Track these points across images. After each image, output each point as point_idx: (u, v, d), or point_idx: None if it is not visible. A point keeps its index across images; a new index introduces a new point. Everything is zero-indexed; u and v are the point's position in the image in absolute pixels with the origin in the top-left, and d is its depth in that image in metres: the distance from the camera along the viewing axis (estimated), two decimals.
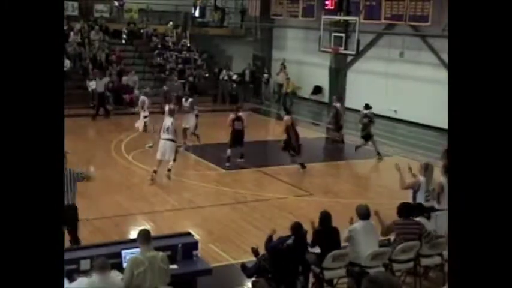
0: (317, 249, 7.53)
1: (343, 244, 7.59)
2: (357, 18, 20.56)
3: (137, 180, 12.88)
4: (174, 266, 6.89)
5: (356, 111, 22.46)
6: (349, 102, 23.48)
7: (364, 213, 7.61)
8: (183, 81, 22.93)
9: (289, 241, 7.12)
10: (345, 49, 21.17)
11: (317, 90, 25.20)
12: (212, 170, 14.19)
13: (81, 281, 5.69)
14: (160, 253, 6.20)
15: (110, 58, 22.80)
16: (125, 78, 21.35)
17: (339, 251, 7.40)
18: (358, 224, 7.57)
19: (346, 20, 21.53)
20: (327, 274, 7.37)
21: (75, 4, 24.13)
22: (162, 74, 23.61)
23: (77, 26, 23.55)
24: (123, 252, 6.65)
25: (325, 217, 7.64)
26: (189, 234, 7.78)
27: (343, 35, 21.13)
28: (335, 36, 21.44)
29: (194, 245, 7.37)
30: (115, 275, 5.97)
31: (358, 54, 21.77)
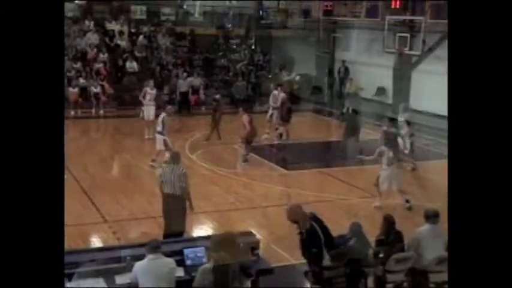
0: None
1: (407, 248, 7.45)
2: (422, 18, 20.12)
3: (200, 179, 13.09)
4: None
5: (420, 112, 22.07)
6: (413, 104, 23.03)
7: (432, 217, 7.37)
8: (244, 82, 23.14)
9: (351, 242, 7.07)
10: (410, 49, 20.77)
11: (380, 91, 24.83)
12: (274, 170, 14.25)
13: (138, 265, 6.00)
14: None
15: (175, 61, 23.29)
16: (189, 80, 21.75)
17: (403, 254, 7.27)
18: (426, 228, 7.36)
19: (412, 20, 21.11)
20: (390, 277, 7.26)
21: (144, 8, 24.81)
22: (226, 76, 23.90)
23: (144, 29, 24.20)
24: (186, 250, 6.78)
25: (389, 221, 7.51)
26: (250, 233, 7.84)
27: (408, 35, 20.75)
28: (400, 37, 21.07)
29: (256, 244, 7.42)
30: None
31: (424, 55, 21.28)
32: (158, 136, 13.72)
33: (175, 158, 9.09)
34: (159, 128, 13.69)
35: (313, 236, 6.42)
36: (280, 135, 17.12)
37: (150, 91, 17.01)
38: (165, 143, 13.55)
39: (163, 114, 13.75)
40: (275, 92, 17.72)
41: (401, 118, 14.22)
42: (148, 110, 16.91)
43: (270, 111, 17.38)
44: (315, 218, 6.64)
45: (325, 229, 6.59)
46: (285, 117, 17.05)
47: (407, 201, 11.36)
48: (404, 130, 13.97)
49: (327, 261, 6.44)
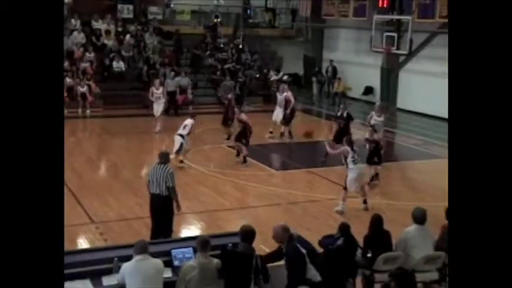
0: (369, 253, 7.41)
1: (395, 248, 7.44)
2: (410, 17, 20.21)
3: (189, 179, 13.03)
4: None
5: (408, 112, 22.21)
6: (401, 103, 23.17)
7: (420, 217, 7.33)
8: (232, 82, 23.10)
9: (339, 242, 7.06)
10: (397, 49, 20.85)
11: (368, 90, 24.93)
12: (263, 170, 14.23)
13: (125, 266, 5.96)
14: (215, 260, 6.17)
15: (163, 60, 23.19)
16: (177, 80, 21.67)
17: (391, 253, 7.27)
18: (414, 228, 7.35)
19: (399, 19, 21.20)
20: (378, 277, 7.26)
21: (130, 7, 24.67)
22: (213, 75, 23.84)
23: (131, 28, 24.06)
24: (173, 251, 6.73)
25: (377, 221, 7.49)
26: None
27: (395, 34, 20.83)
28: (387, 36, 21.15)
29: None
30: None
31: (411, 54, 21.38)
32: (177, 138, 13.84)
33: (164, 158, 9.02)
34: (182, 132, 13.81)
35: (297, 259, 6.35)
36: (282, 134, 17.33)
37: (155, 90, 18.22)
38: (180, 147, 13.73)
39: (191, 121, 13.98)
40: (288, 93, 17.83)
41: (380, 118, 14.11)
42: (157, 107, 18.15)
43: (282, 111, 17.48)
44: (300, 240, 6.58)
45: (311, 251, 6.52)
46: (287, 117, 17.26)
47: (364, 201, 11.22)
48: (380, 131, 13.90)
49: (316, 277, 6.37)
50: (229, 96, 17.47)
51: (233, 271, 6.07)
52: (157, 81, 18.86)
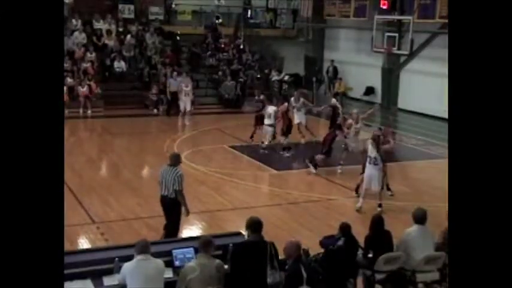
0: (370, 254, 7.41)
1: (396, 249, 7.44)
2: (411, 18, 20.20)
3: (190, 179, 13.00)
4: (225, 266, 6.94)
5: (409, 112, 22.21)
6: (402, 103, 23.17)
7: (420, 218, 7.35)
8: (233, 82, 23.09)
9: (340, 242, 7.06)
10: (398, 49, 20.84)
11: (369, 91, 24.93)
12: (263, 170, 14.23)
13: (126, 266, 5.94)
14: (216, 261, 6.15)
15: (164, 60, 23.19)
16: (179, 79, 21.68)
17: (392, 254, 7.27)
18: (414, 229, 7.35)
19: (400, 20, 21.20)
20: (379, 277, 7.26)
21: (131, 7, 24.68)
22: (214, 75, 23.83)
23: (133, 28, 24.07)
24: (174, 251, 6.74)
25: (377, 221, 7.50)
26: (239, 234, 7.80)
27: (396, 34, 20.81)
28: (388, 36, 21.14)
29: None
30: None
31: (412, 55, 21.38)
32: (269, 128, 14.94)
33: (174, 160, 8.90)
34: (270, 121, 14.89)
35: (294, 279, 6.32)
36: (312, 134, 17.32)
37: (185, 88, 19.53)
38: (274, 136, 15.02)
39: (274, 108, 15.04)
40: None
41: (358, 125, 14.07)
42: (185, 103, 19.44)
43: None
44: (306, 262, 6.56)
45: (313, 273, 6.49)
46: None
47: (379, 205, 11.10)
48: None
49: None
50: (261, 97, 17.41)
51: (250, 260, 6.13)
52: (187, 79, 20.21)
